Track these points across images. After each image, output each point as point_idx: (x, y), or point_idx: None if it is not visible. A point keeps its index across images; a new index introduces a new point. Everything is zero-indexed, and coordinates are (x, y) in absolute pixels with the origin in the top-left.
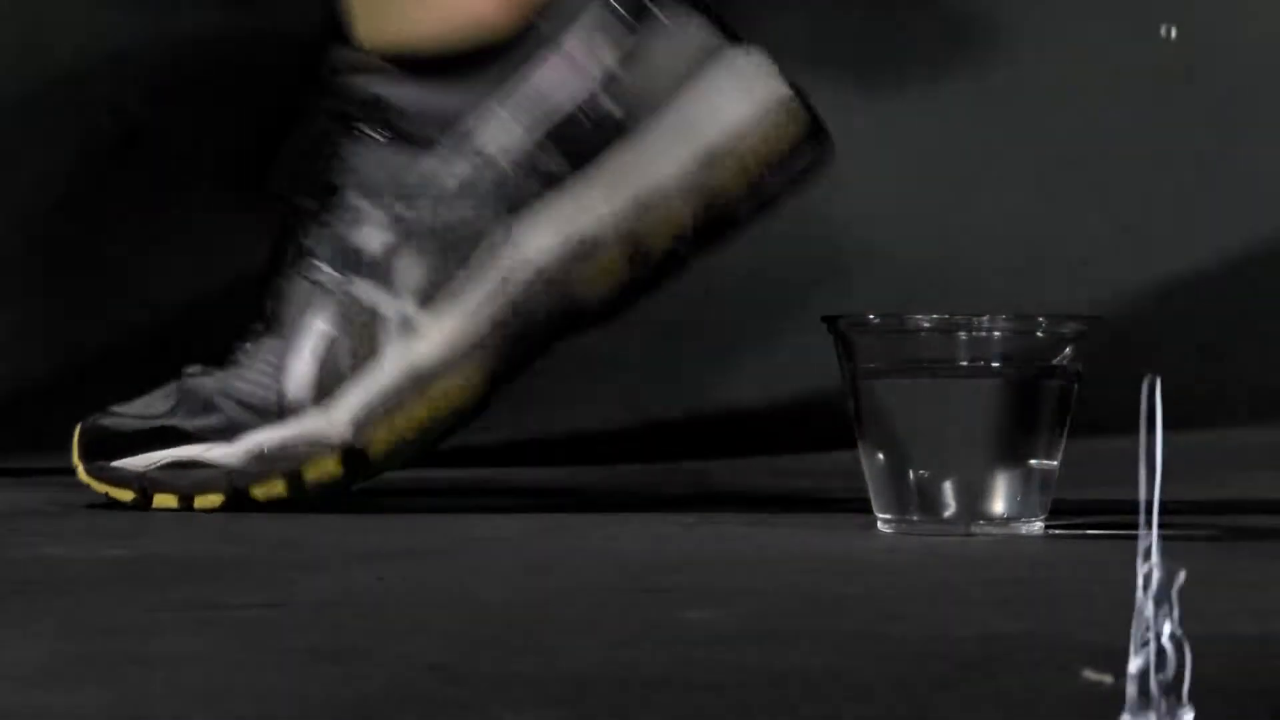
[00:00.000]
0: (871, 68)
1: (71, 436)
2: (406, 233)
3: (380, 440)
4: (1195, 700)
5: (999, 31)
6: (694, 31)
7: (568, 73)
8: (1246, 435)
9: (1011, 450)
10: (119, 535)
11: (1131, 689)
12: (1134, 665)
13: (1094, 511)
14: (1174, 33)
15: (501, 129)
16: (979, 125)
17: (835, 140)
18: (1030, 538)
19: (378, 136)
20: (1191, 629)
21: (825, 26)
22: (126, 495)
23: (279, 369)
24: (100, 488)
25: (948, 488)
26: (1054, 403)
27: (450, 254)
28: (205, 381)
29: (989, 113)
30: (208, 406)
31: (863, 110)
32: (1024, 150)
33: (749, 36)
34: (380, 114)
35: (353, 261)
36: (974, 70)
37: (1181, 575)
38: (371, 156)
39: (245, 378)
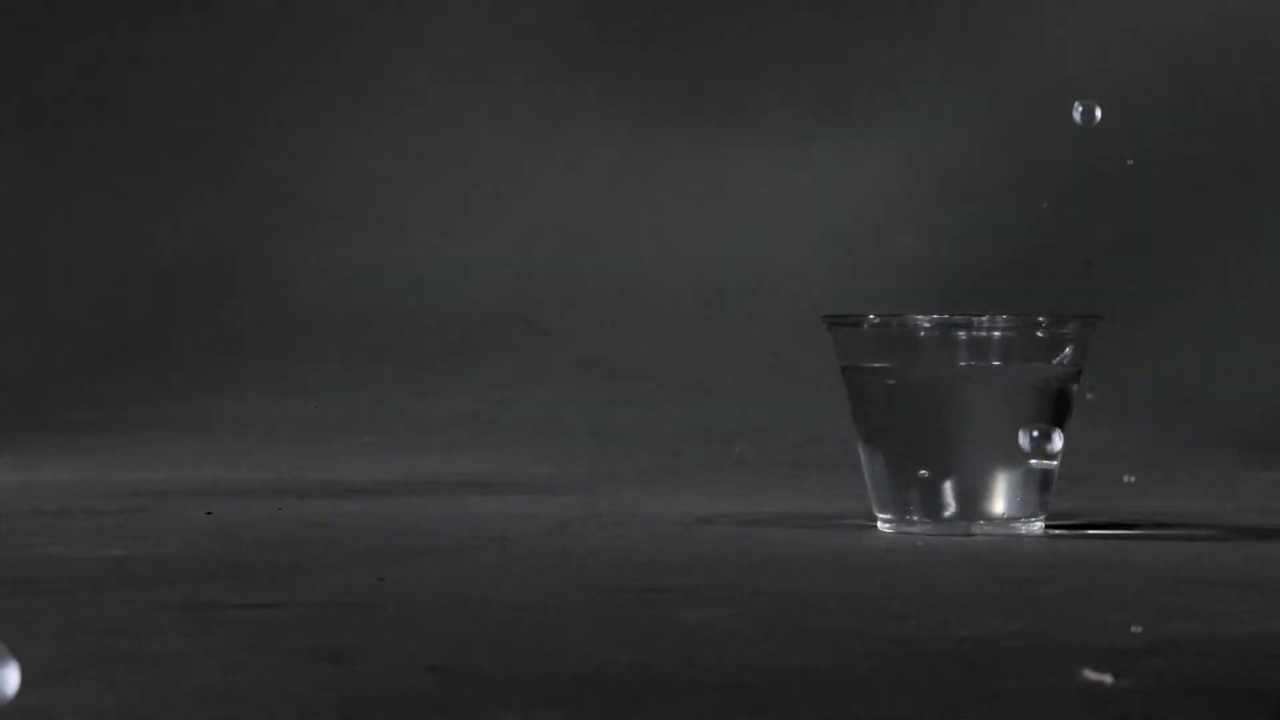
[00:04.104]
0: (868, 69)
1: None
2: None
3: None
4: (1196, 700)
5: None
6: None
7: None
8: (1248, 434)
9: (1011, 450)
10: (119, 535)
11: None
12: None
13: (1093, 512)
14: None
15: None
16: (982, 125)
17: (831, 142)
18: (1030, 538)
19: None
20: (1192, 629)
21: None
22: None
23: None
24: None
25: (948, 488)
26: (1054, 403)
27: None
28: None
29: (991, 113)
30: None
31: (862, 109)
32: (1027, 151)
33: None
34: None
35: None
36: (976, 70)
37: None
38: None
39: None
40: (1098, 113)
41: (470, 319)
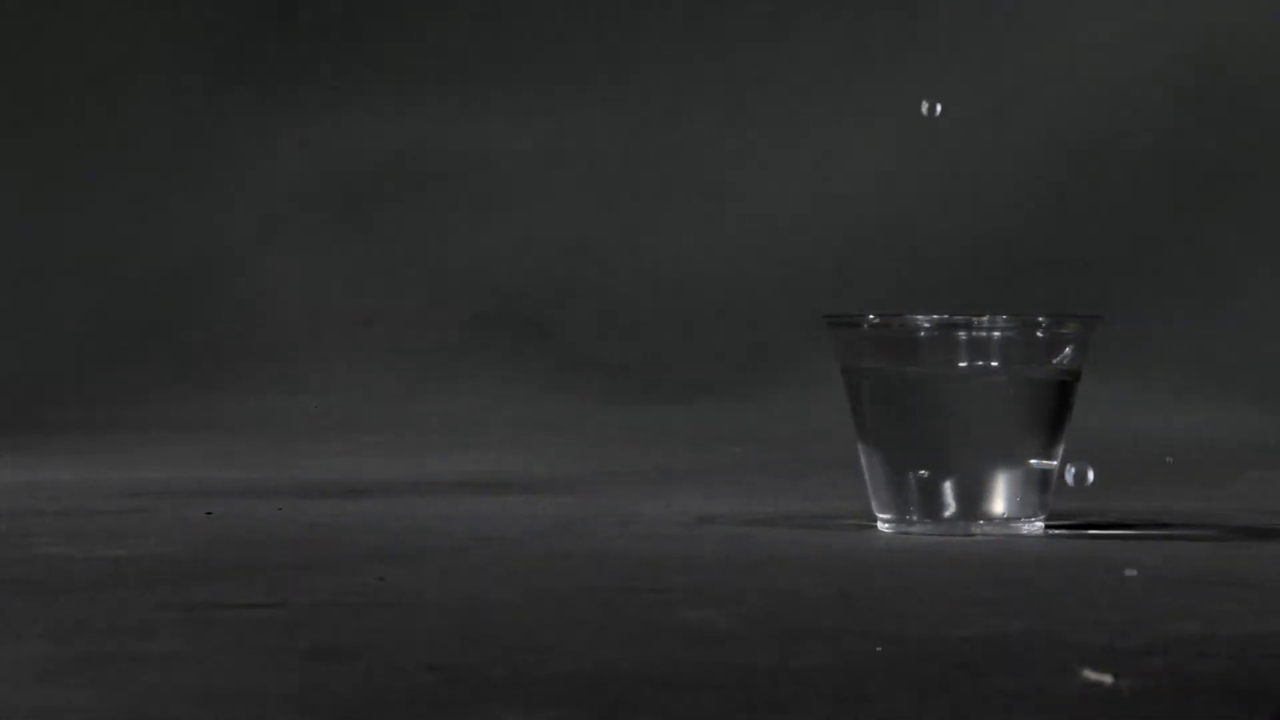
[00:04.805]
0: (865, 67)
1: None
2: None
3: None
4: (1195, 700)
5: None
6: None
7: None
8: (1247, 435)
9: (1011, 450)
10: (119, 535)
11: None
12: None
13: (1094, 512)
14: (938, 108)
15: None
16: (980, 125)
17: (831, 143)
18: (1030, 538)
19: None
20: (1192, 629)
21: (822, 29)
22: None
23: None
24: None
25: (948, 488)
26: (1054, 403)
27: None
28: None
29: (992, 113)
30: None
31: (862, 110)
32: (1025, 150)
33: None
34: None
35: None
36: (972, 69)
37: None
38: None
39: None
40: (1090, 474)
41: (469, 319)
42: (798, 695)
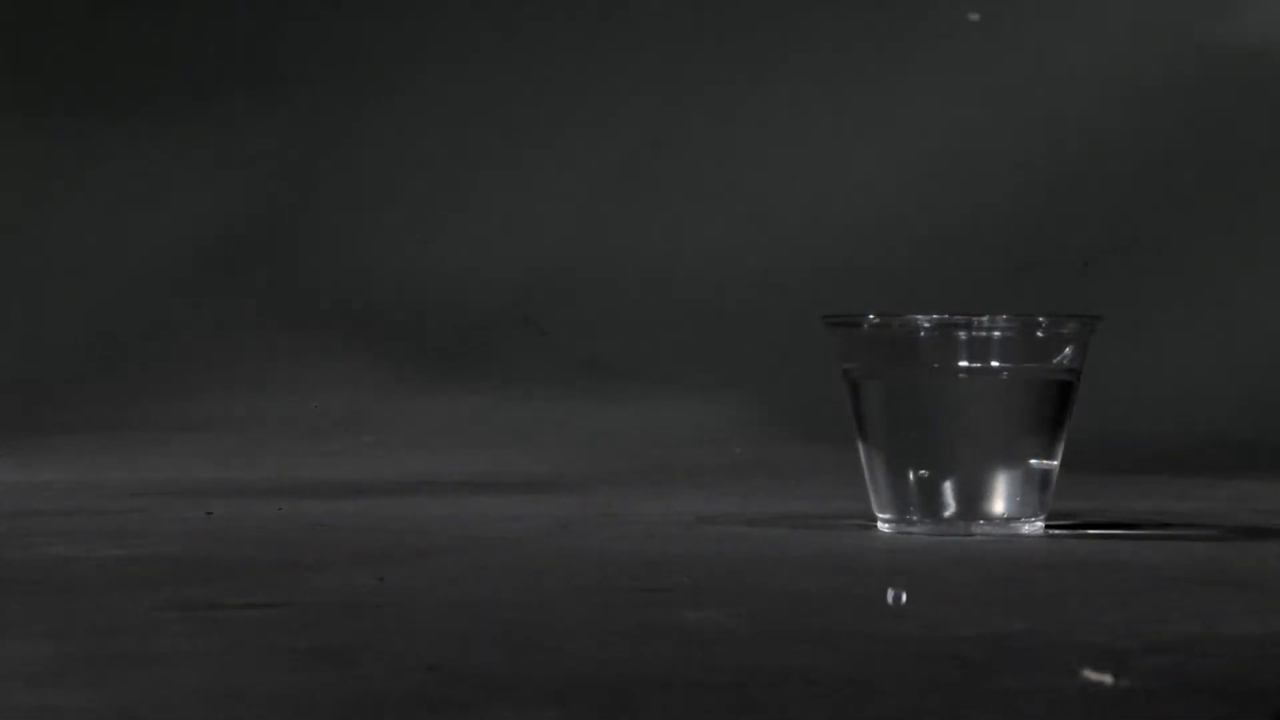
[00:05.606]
0: (870, 65)
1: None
2: None
3: None
4: (1195, 700)
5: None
6: None
7: None
8: (1247, 435)
9: (1011, 450)
10: (119, 535)
11: None
12: None
13: (1094, 512)
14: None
15: None
16: (981, 125)
17: (830, 143)
18: (1030, 538)
19: None
20: (1191, 629)
21: (830, 29)
22: None
23: None
24: None
25: (948, 488)
26: (1054, 403)
27: None
28: None
29: (991, 113)
30: None
31: (861, 110)
32: (1024, 150)
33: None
34: None
35: None
36: (974, 68)
37: None
38: None
39: None
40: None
41: (470, 319)
42: (798, 695)
